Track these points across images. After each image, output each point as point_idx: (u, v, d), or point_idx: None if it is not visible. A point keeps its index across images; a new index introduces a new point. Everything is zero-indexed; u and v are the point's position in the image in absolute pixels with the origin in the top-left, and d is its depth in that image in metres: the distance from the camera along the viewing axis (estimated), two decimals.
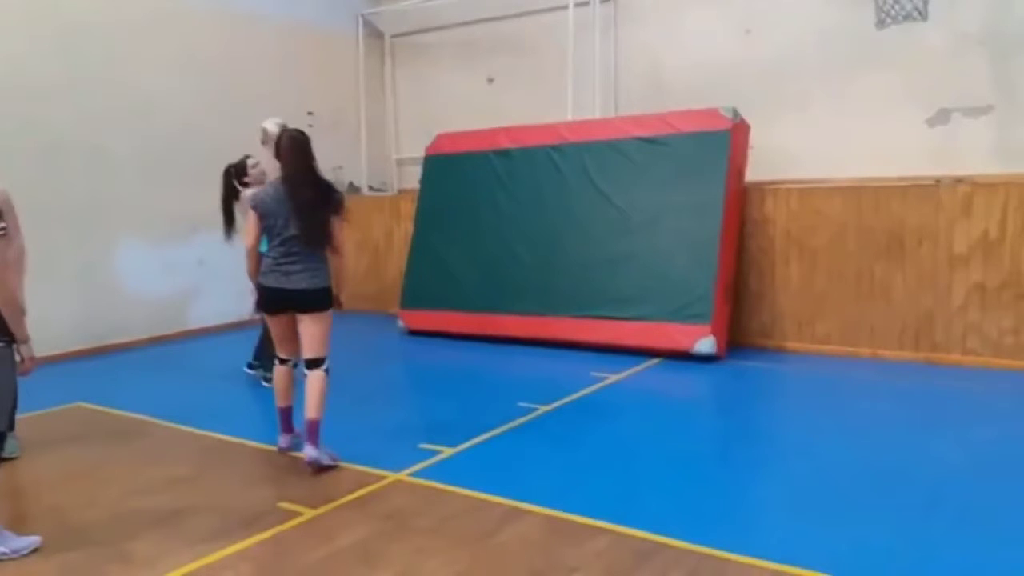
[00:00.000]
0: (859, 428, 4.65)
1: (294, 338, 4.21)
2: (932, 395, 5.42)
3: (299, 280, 4.04)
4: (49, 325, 6.87)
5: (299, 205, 3.99)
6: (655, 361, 6.43)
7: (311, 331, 4.09)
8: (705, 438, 4.77)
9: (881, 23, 6.43)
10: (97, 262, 7.24)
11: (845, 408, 5.11)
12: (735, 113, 6.59)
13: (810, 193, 6.59)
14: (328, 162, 9.56)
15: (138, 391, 5.79)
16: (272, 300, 4.13)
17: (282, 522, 3.41)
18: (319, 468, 4.00)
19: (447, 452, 4.28)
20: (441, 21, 9.46)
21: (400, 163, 10.17)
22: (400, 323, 7.92)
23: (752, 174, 6.94)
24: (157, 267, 7.65)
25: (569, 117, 7.92)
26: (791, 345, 6.72)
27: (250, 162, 5.78)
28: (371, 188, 10.06)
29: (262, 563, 3.10)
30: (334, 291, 4.18)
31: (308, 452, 4.00)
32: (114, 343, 7.29)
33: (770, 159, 7.10)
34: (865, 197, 6.34)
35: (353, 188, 9.96)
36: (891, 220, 6.23)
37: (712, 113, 6.64)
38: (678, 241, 6.58)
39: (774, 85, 7.21)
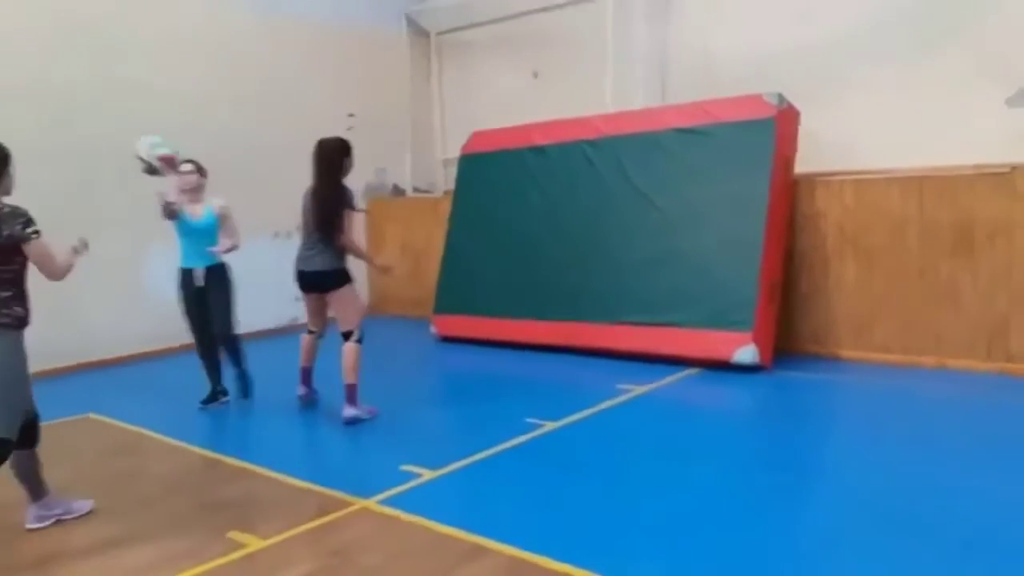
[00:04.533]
0: (919, 453, 4.03)
1: (318, 313, 5.20)
2: (1007, 413, 4.71)
3: (312, 263, 4.93)
4: (92, 331, 7.08)
5: (316, 203, 4.99)
6: (691, 371, 5.92)
7: (336, 309, 5.00)
8: (728, 466, 4.05)
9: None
10: (135, 266, 7.26)
11: (903, 428, 4.49)
12: (781, 99, 5.99)
13: (866, 185, 5.92)
14: (372, 163, 9.53)
15: (147, 403, 5.68)
16: (298, 281, 5.09)
17: (224, 554, 3.16)
18: (356, 423, 4.81)
19: (427, 476, 3.95)
20: (485, 16, 9.16)
21: (447, 163, 9.91)
22: (432, 329, 7.66)
23: (806, 165, 6.32)
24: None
25: (609, 110, 7.45)
26: (846, 353, 6.07)
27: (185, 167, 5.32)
28: (416, 189, 9.86)
29: None
30: (366, 262, 5.49)
31: (345, 412, 4.85)
32: (152, 349, 7.30)
33: (827, 149, 6.49)
34: (928, 188, 5.63)
35: (398, 190, 9.78)
36: (958, 213, 5.51)
37: (755, 100, 6.06)
38: (718, 239, 6.03)
39: (831, 69, 6.59)
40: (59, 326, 6.27)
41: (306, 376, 5.37)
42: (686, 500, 3.53)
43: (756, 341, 5.73)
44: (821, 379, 5.64)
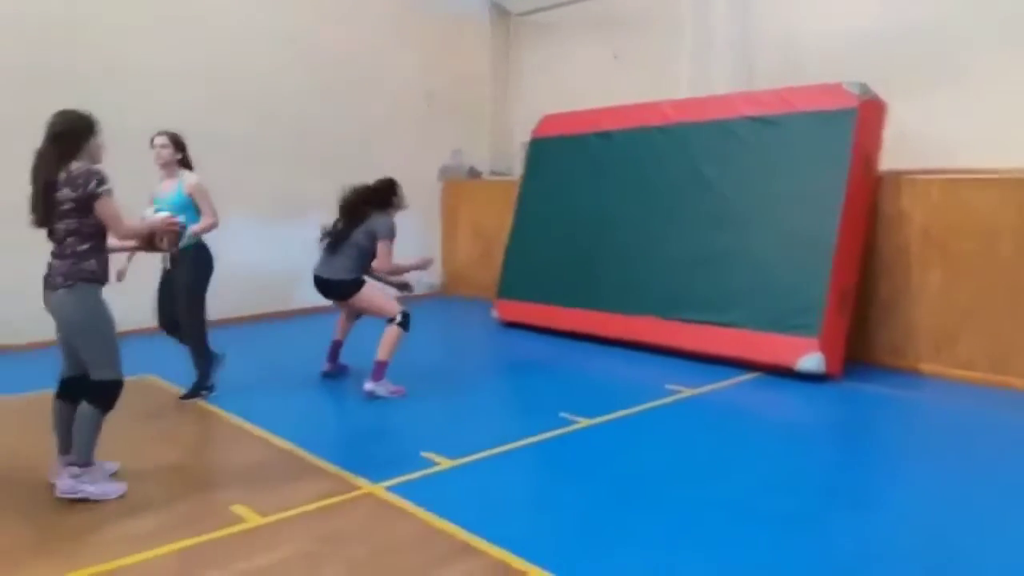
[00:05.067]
0: (983, 490, 3.58)
1: (347, 314, 5.50)
2: None
3: (325, 269, 5.18)
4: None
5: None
6: (750, 376, 5.58)
7: (364, 311, 5.25)
8: (759, 485, 3.65)
9: None
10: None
11: (971, 458, 4.00)
12: (864, 88, 5.52)
13: (956, 185, 5.39)
14: (448, 145, 9.50)
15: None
16: (315, 284, 5.27)
17: (220, 527, 3.16)
18: (373, 398, 4.92)
19: (444, 464, 3.86)
20: None
21: (524, 147, 9.74)
22: (494, 313, 7.57)
23: (896, 161, 5.83)
24: (267, 245, 7.78)
25: (684, 95, 7.11)
26: (926, 367, 5.57)
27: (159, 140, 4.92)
28: (494, 172, 9.76)
29: (165, 570, 2.86)
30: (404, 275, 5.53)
31: (366, 385, 4.95)
32: (220, 319, 7.49)
33: (920, 145, 5.98)
34: None
35: (474, 172, 9.71)
36: None
37: (835, 89, 5.61)
38: (788, 237, 5.65)
39: (925, 56, 6.07)
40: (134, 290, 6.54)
41: (334, 351, 5.54)
42: (700, 520, 3.26)
43: (823, 348, 5.33)
44: (893, 395, 5.19)
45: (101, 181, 3.36)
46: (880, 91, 5.73)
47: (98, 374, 3.42)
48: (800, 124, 5.72)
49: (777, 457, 4.10)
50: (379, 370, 4.97)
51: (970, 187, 5.32)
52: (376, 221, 5.15)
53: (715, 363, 5.78)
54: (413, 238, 9.01)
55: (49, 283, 3.42)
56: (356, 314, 5.48)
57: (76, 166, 3.36)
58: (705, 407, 4.97)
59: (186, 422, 4.67)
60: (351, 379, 5.44)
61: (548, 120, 7.67)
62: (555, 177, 7.36)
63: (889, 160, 5.86)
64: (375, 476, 3.68)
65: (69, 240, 3.37)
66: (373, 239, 5.12)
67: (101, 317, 3.42)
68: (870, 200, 5.70)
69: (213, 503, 3.45)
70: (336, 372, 5.54)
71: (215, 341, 5.12)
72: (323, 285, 5.17)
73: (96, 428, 3.46)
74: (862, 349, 5.83)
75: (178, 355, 5.13)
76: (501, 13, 9.67)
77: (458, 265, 9.52)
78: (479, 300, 8.58)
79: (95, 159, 3.48)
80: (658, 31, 7.93)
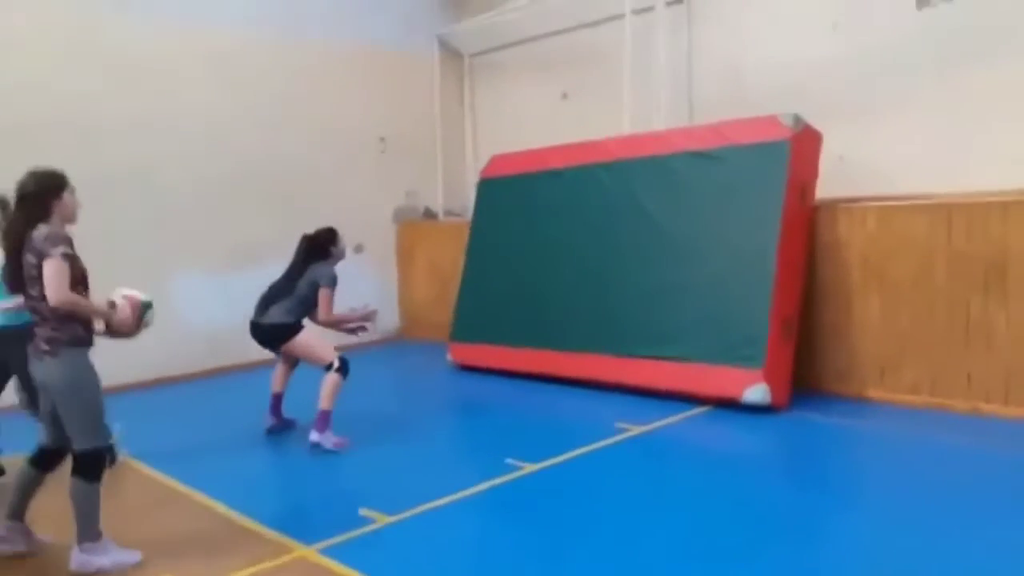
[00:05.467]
0: (934, 519, 3.58)
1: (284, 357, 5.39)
2: None
3: (261, 314, 5.17)
4: (105, 357, 7.16)
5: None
6: (700, 410, 5.59)
7: (302, 357, 5.21)
8: (701, 523, 3.67)
9: (923, 3, 5.22)
10: (156, 293, 7.39)
11: (917, 488, 3.98)
12: (797, 120, 5.63)
13: (889, 212, 5.49)
14: (402, 186, 9.52)
15: (150, 429, 5.67)
16: (251, 332, 5.27)
17: None
18: (318, 448, 4.87)
19: (382, 522, 3.80)
20: (516, 36, 9.03)
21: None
22: (448, 357, 7.53)
23: (837, 189, 5.96)
24: (220, 298, 7.69)
25: (626, 131, 7.20)
26: (872, 393, 5.62)
27: None
28: (448, 212, 9.78)
29: None
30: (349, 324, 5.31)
31: (310, 436, 4.91)
32: (171, 375, 7.39)
33: (858, 172, 6.12)
34: (956, 217, 5.16)
35: (430, 213, 9.73)
36: (989, 246, 5.02)
37: (770, 121, 5.72)
38: (728, 270, 5.70)
39: (862, 86, 6.19)
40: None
41: (276, 404, 5.44)
42: (641, 564, 3.24)
43: (767, 379, 5.36)
44: (838, 424, 5.21)
45: (58, 243, 3.21)
46: (822, 120, 5.88)
47: (80, 444, 3.31)
48: (736, 157, 5.80)
49: (721, 493, 4.09)
50: (322, 420, 4.92)
51: (904, 213, 5.42)
52: (316, 270, 5.14)
53: (665, 398, 5.78)
54: (369, 280, 9.04)
55: (34, 351, 3.32)
56: (294, 362, 5.41)
57: (39, 230, 3.23)
58: (652, 444, 4.96)
59: (123, 488, 4.56)
60: (296, 433, 5.36)
61: (497, 160, 7.72)
62: (504, 217, 7.39)
63: (832, 187, 5.98)
64: (310, 538, 3.62)
65: (44, 305, 3.24)
66: (314, 288, 5.10)
67: (86, 383, 3.32)
68: (808, 229, 5.78)
69: (138, 570, 3.36)
70: (281, 427, 5.45)
71: (179, 396, 5.05)
72: (258, 332, 5.13)
73: (93, 501, 3.37)
74: (810, 377, 5.87)
75: (121, 417, 5.03)
76: (453, 54, 9.77)
77: (415, 307, 9.49)
78: (436, 343, 8.53)
79: (67, 219, 3.35)
80: (604, 68, 8.04)
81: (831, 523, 3.70)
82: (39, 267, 3.21)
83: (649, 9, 7.38)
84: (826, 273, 5.80)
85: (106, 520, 3.62)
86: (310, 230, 5.42)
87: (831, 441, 4.97)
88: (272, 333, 5.08)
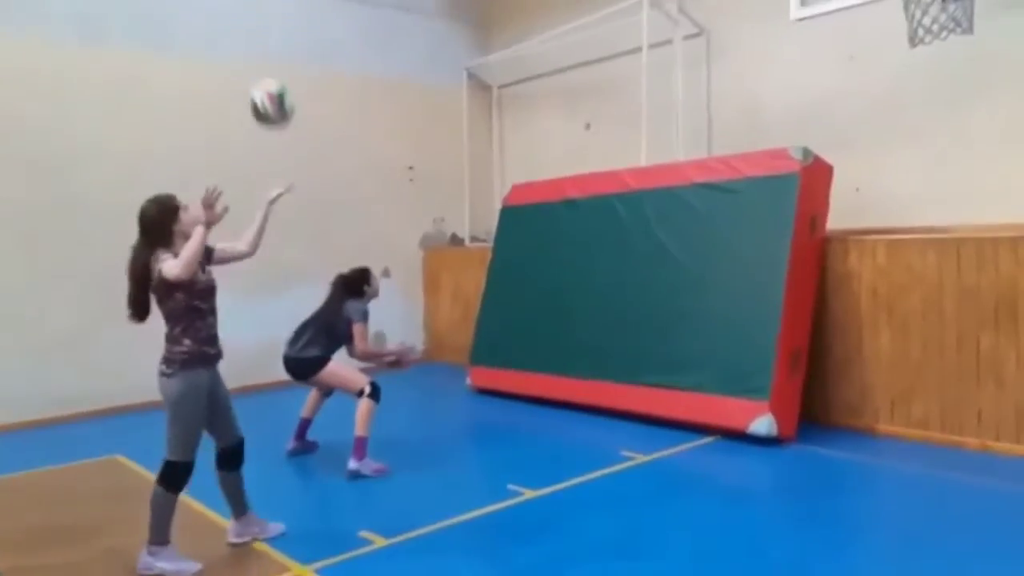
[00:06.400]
0: (937, 563, 3.52)
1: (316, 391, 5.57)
2: None
3: (294, 348, 5.29)
4: (134, 375, 7.47)
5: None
6: (707, 440, 5.61)
7: (333, 386, 5.29)
8: (703, 557, 3.68)
9: (915, 39, 5.22)
10: None
11: (927, 528, 3.93)
12: (807, 153, 5.67)
13: (899, 245, 5.48)
14: (430, 213, 9.76)
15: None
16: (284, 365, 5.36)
17: None
18: (357, 477, 4.95)
19: (379, 544, 3.92)
20: (542, 69, 9.25)
21: None
22: (468, 381, 7.68)
23: (854, 221, 6.00)
24: (244, 320, 7.95)
25: (643, 162, 7.30)
26: (883, 427, 5.58)
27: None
28: (474, 239, 9.98)
29: None
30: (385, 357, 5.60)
31: (349, 465, 4.98)
32: None
33: (874, 205, 6.12)
34: (965, 251, 5.14)
35: (456, 239, 9.94)
36: (999, 280, 4.99)
37: (780, 154, 5.77)
38: (737, 301, 5.74)
39: (883, 118, 6.22)
40: (118, 368, 6.76)
41: (302, 429, 5.60)
42: None
43: (774, 411, 5.37)
44: (845, 458, 5.18)
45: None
46: (839, 151, 5.97)
47: (169, 454, 3.61)
48: (747, 189, 5.86)
49: (721, 525, 4.10)
50: (359, 447, 5.02)
51: (911, 247, 5.41)
52: (349, 307, 5.34)
53: (673, 427, 5.83)
54: (396, 304, 9.27)
55: (160, 368, 3.60)
56: (327, 392, 5.57)
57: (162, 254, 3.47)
58: (655, 473, 5.00)
59: (138, 506, 4.75)
60: (317, 456, 5.54)
61: (518, 189, 7.89)
62: (523, 245, 7.54)
63: (848, 219, 6.02)
64: (308, 557, 3.75)
65: (165, 326, 3.57)
66: (346, 323, 5.30)
67: (187, 401, 3.56)
68: (818, 261, 5.80)
69: None
70: (303, 450, 5.61)
71: None
72: (290, 364, 5.28)
73: (165, 507, 3.61)
74: (819, 409, 5.86)
75: (149, 436, 5.23)
76: (481, 86, 10.01)
77: (440, 330, 9.67)
78: (458, 366, 8.69)
79: (187, 236, 3.52)
80: (624, 100, 8.17)
81: (832, 561, 3.65)
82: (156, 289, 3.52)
83: (667, 42, 7.51)
84: (836, 305, 5.80)
85: (116, 537, 3.82)
86: (341, 259, 5.63)
87: (836, 475, 4.94)
88: (302, 365, 5.22)
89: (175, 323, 3.56)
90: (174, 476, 3.61)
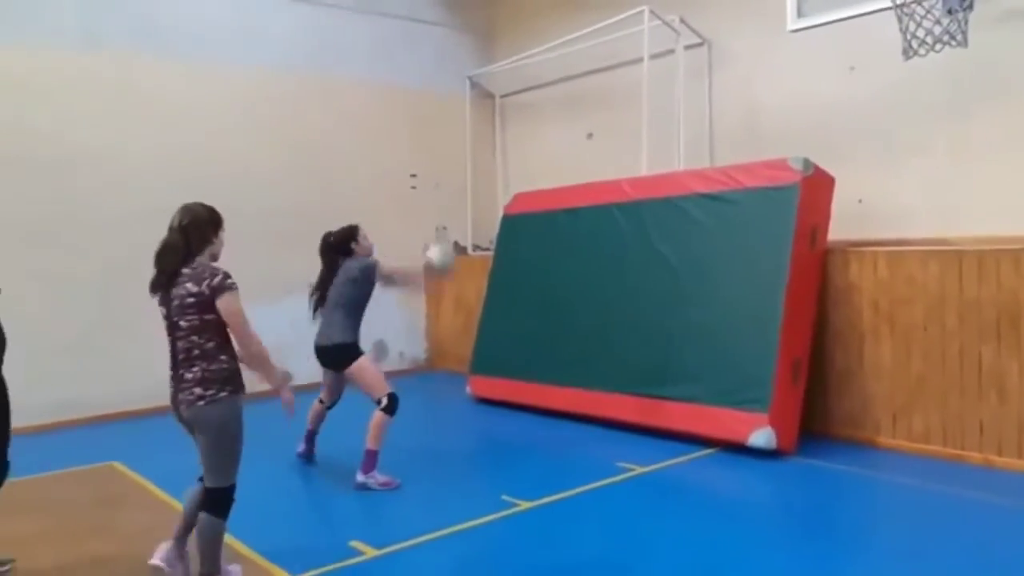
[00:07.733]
0: None
1: (331, 388, 5.42)
2: None
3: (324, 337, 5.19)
4: (131, 381, 7.44)
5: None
6: (706, 452, 5.56)
7: (357, 384, 5.09)
8: (695, 572, 3.65)
9: (908, 52, 5.18)
10: None
11: (926, 545, 3.86)
12: (807, 164, 5.63)
13: (900, 257, 5.43)
14: (432, 221, 9.75)
15: (168, 454, 5.89)
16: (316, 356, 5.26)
17: None
18: (364, 489, 4.88)
19: (368, 554, 3.89)
20: (544, 78, 9.25)
21: None
22: (468, 390, 7.64)
23: (857, 232, 5.94)
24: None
25: (643, 172, 7.28)
26: (884, 440, 5.52)
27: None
28: (477, 247, 9.95)
29: None
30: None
31: (357, 478, 4.91)
32: None
33: (880, 215, 6.07)
34: (967, 264, 5.08)
35: (458, 247, 9.91)
36: (1001, 293, 4.93)
37: (780, 165, 5.73)
38: (736, 312, 5.69)
39: (884, 129, 6.16)
40: (117, 374, 6.76)
41: (309, 437, 5.57)
42: None
43: (773, 424, 5.31)
44: (846, 472, 5.10)
45: (227, 276, 3.28)
46: (842, 162, 5.92)
47: (211, 480, 3.36)
48: (746, 200, 5.82)
49: (715, 540, 4.04)
50: (369, 460, 4.91)
51: (913, 258, 5.36)
52: (349, 266, 5.21)
53: (673, 439, 5.77)
54: (398, 312, 9.24)
55: (196, 393, 3.32)
56: (329, 404, 5.46)
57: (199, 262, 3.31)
58: (651, 486, 4.95)
59: (134, 510, 4.75)
60: (314, 464, 5.53)
61: (519, 197, 7.87)
62: (524, 254, 7.51)
63: (851, 230, 5.97)
64: (297, 567, 3.72)
65: (189, 339, 3.29)
66: (356, 284, 5.15)
67: (236, 424, 3.39)
68: (818, 273, 5.75)
69: None
70: (312, 453, 5.58)
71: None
72: (322, 353, 5.16)
73: (216, 536, 3.36)
74: (822, 421, 5.80)
75: (147, 442, 5.23)
76: (484, 95, 10.01)
77: (441, 339, 9.65)
78: (459, 374, 8.65)
79: (216, 255, 3.44)
80: (626, 110, 8.15)
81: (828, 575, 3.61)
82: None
83: (669, 53, 7.50)
84: (837, 317, 5.75)
85: (110, 544, 3.78)
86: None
87: (836, 489, 4.87)
88: (337, 354, 5.07)
89: (208, 336, 3.27)
90: (228, 501, 3.38)
